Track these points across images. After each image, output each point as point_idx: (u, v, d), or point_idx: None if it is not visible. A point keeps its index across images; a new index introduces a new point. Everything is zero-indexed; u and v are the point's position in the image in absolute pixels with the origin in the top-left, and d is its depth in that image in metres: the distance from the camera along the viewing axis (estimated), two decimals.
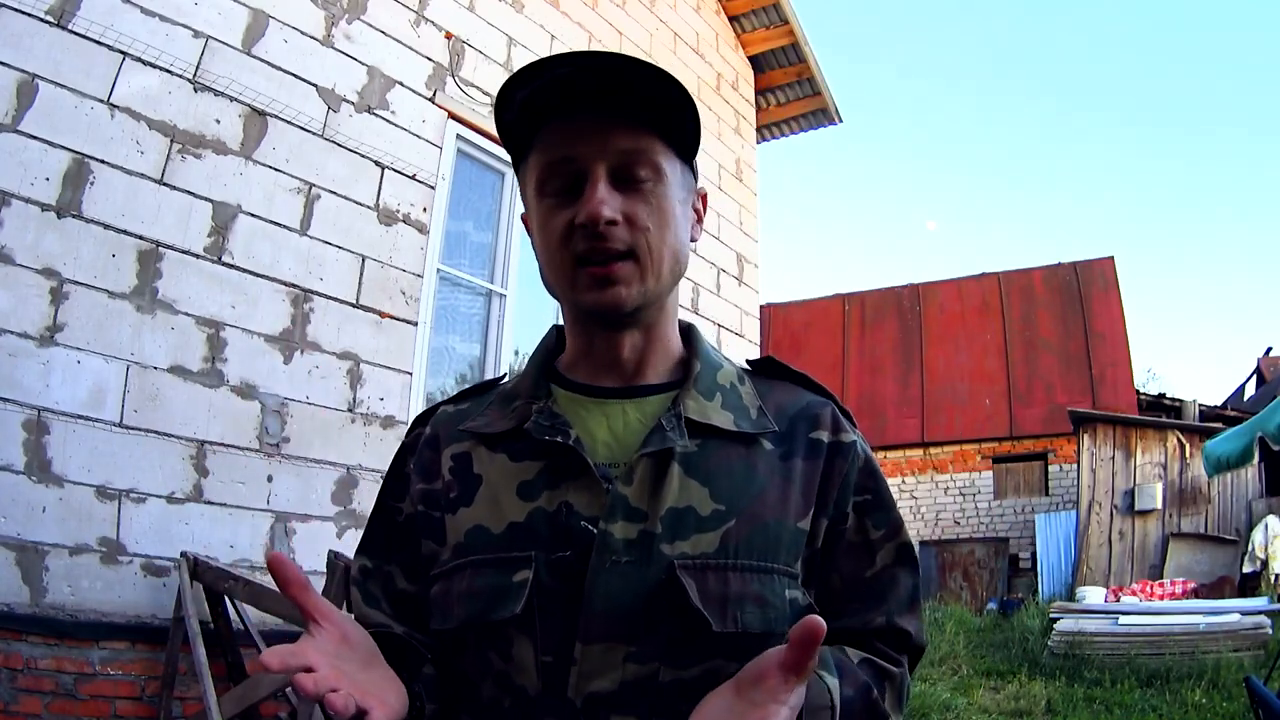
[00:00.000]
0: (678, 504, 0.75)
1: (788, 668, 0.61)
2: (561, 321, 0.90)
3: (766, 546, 0.75)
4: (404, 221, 4.06)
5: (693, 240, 0.85)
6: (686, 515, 0.74)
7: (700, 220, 0.88)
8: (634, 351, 0.82)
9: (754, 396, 0.85)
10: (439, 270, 4.22)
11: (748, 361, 0.92)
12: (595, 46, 5.36)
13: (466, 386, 0.94)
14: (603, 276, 0.76)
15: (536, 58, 0.79)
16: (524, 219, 0.87)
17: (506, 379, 0.91)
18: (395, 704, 0.65)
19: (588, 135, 0.76)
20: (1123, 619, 7.63)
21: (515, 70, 0.75)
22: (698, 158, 0.87)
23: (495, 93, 0.77)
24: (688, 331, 0.89)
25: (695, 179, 0.86)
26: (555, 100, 0.76)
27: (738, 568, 0.74)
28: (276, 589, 2.73)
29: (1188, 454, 11.14)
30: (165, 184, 3.21)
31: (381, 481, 0.90)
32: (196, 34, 3.36)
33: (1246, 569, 9.84)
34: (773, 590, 0.74)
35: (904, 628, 0.81)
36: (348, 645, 0.65)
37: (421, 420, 0.90)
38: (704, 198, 0.89)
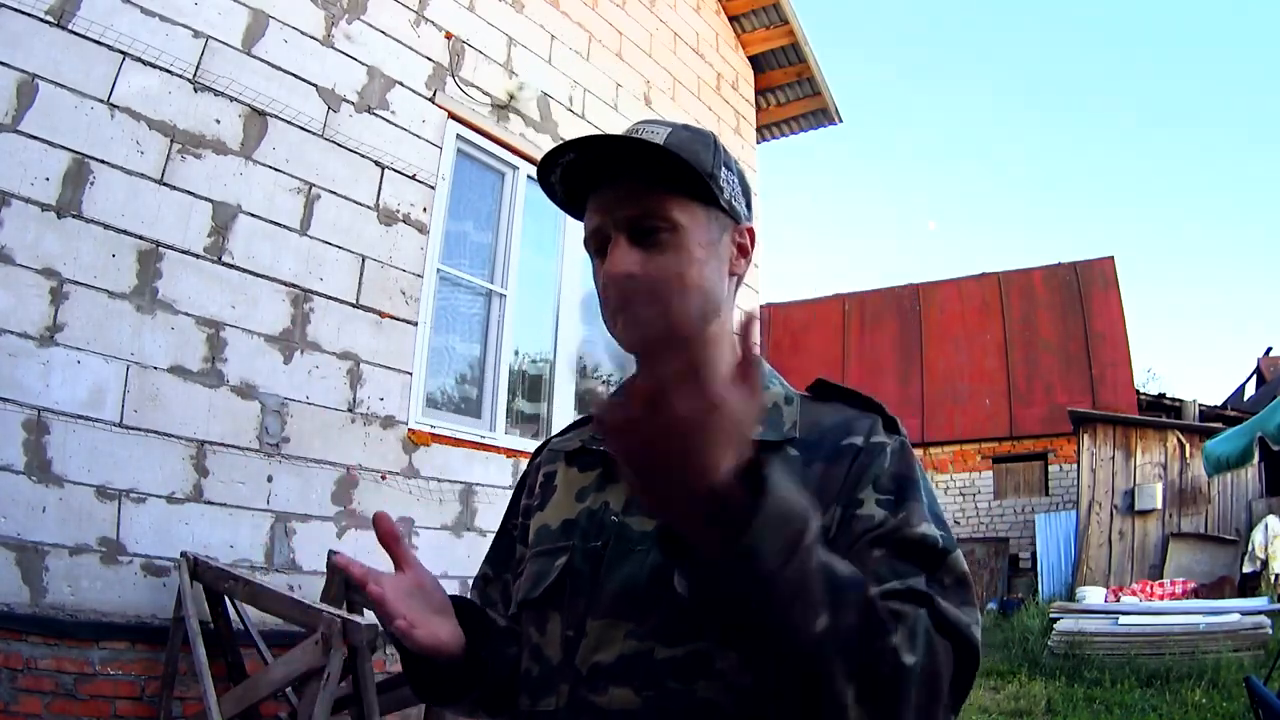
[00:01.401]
0: None
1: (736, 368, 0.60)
2: None
3: None
4: (404, 221, 4.06)
5: (733, 274, 0.93)
6: None
7: (745, 254, 0.94)
8: None
9: (794, 414, 0.89)
10: (439, 270, 4.22)
11: (807, 387, 0.96)
12: (595, 47, 5.37)
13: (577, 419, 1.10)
14: (629, 320, 0.87)
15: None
16: None
17: None
18: (444, 638, 0.81)
19: (607, 205, 0.88)
20: (1123, 619, 7.64)
21: (540, 159, 0.88)
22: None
23: (541, 156, 0.90)
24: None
25: (738, 217, 0.93)
26: (573, 181, 0.90)
27: None
28: (276, 589, 2.71)
29: (1188, 454, 11.14)
30: (165, 184, 3.21)
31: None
32: (196, 34, 3.36)
33: (1246, 569, 9.84)
34: None
35: (917, 589, 0.72)
36: (421, 590, 0.83)
37: (538, 451, 1.07)
38: (750, 232, 0.95)
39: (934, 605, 0.71)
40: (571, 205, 0.94)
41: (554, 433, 1.09)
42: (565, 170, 0.89)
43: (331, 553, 3.27)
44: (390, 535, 0.82)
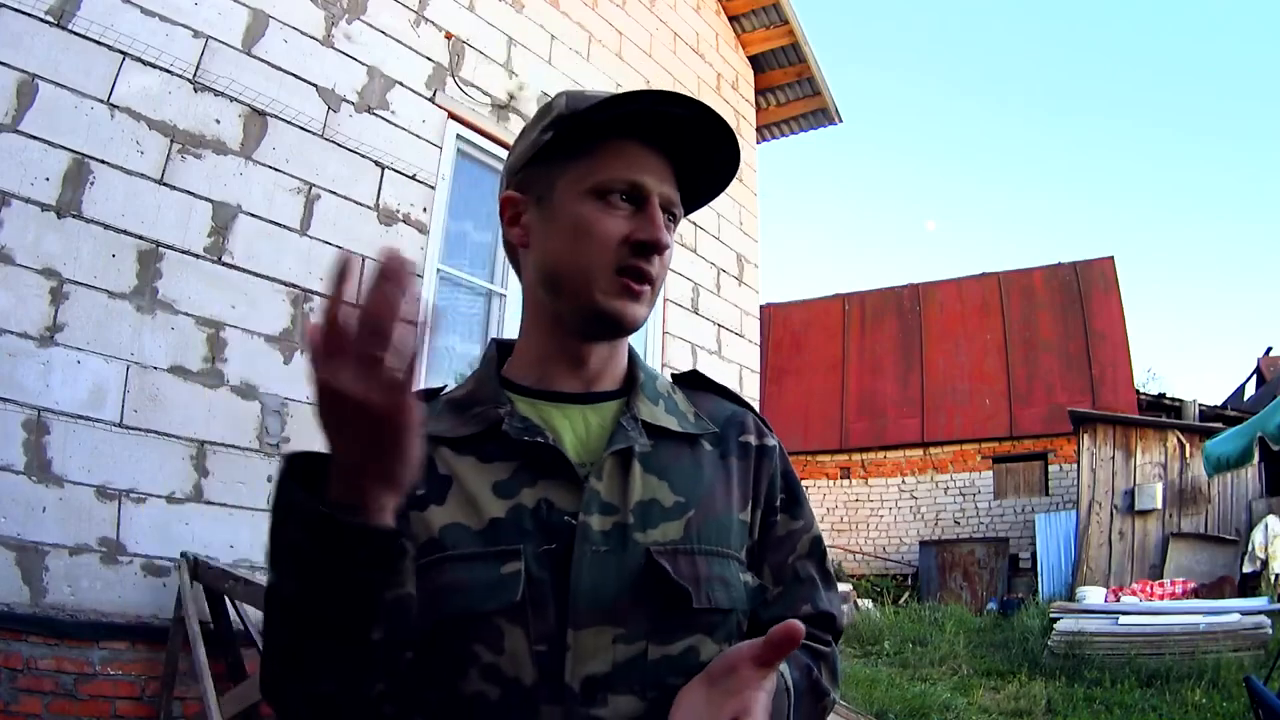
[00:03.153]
0: (644, 497, 0.82)
1: (761, 661, 0.71)
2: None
3: (720, 535, 0.84)
4: (404, 221, 4.06)
5: None
6: (652, 507, 0.82)
7: None
8: (600, 362, 0.89)
9: (687, 404, 0.93)
10: (439, 270, 4.22)
11: (673, 375, 1.00)
12: (595, 47, 5.37)
13: None
14: (637, 292, 0.84)
15: (600, 91, 0.88)
16: (512, 201, 0.90)
17: (448, 389, 0.94)
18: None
19: (656, 170, 0.85)
20: (1123, 619, 7.64)
21: (644, 90, 0.84)
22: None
23: (599, 90, 0.88)
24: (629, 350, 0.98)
25: None
26: (655, 128, 0.85)
27: (701, 552, 0.82)
28: None
29: (1188, 454, 11.14)
30: (165, 184, 3.21)
31: None
32: (196, 34, 3.36)
33: (1246, 569, 9.84)
34: (730, 572, 0.83)
35: (830, 611, 0.91)
36: None
37: None
38: None
39: (835, 624, 0.91)
40: (582, 130, 0.85)
41: None
42: (647, 114, 0.84)
43: None
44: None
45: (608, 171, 0.84)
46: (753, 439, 0.92)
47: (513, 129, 4.67)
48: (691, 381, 0.98)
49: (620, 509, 0.80)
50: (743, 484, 0.89)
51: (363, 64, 3.98)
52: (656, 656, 0.77)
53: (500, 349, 0.95)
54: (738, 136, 0.87)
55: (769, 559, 0.89)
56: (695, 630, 0.79)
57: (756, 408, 0.98)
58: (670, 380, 0.97)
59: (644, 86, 5.70)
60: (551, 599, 0.76)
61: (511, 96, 4.68)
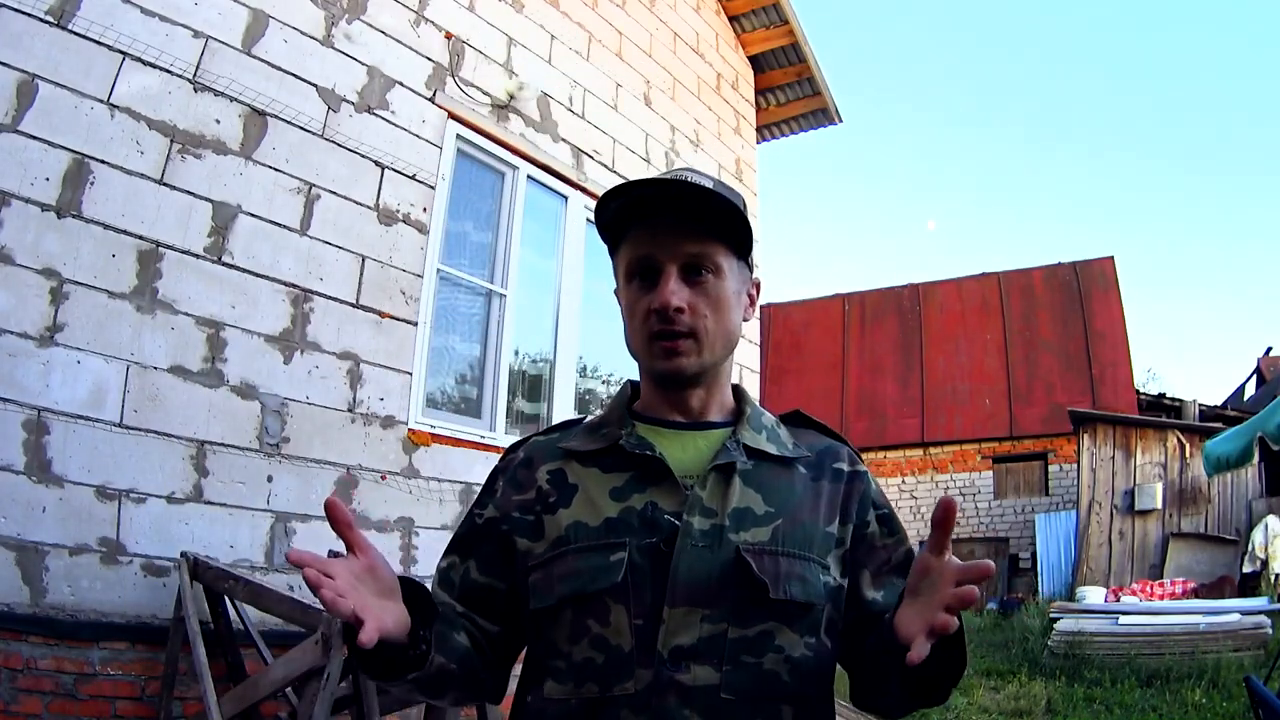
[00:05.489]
0: (739, 505, 0.98)
1: (939, 548, 0.83)
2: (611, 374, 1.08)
3: (804, 541, 0.99)
4: (404, 221, 4.06)
5: (745, 320, 1.08)
6: (746, 513, 0.98)
7: (754, 304, 1.11)
8: (699, 402, 1.06)
9: (789, 436, 1.09)
10: (439, 270, 4.22)
11: (781, 415, 1.16)
12: (595, 47, 5.37)
13: (561, 422, 1.16)
14: (670, 349, 0.99)
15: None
16: (616, 294, 1.09)
17: (588, 419, 1.13)
18: (390, 626, 0.84)
19: (664, 239, 0.99)
20: (1123, 619, 7.63)
21: (613, 186, 0.99)
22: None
23: (603, 191, 1.02)
24: (738, 389, 1.13)
25: (751, 271, 1.09)
26: (640, 211, 1.00)
27: (784, 554, 0.97)
28: (276, 589, 2.72)
29: (1188, 454, 11.14)
30: (165, 184, 3.21)
31: (479, 493, 1.11)
32: (196, 34, 3.36)
33: (1246, 569, 9.84)
34: (809, 572, 0.97)
35: None
36: (372, 575, 0.86)
37: (514, 449, 1.12)
38: (757, 285, 1.12)
39: None
40: (611, 231, 1.04)
41: (532, 433, 1.15)
42: (629, 203, 0.99)
43: (331, 552, 3.26)
44: (343, 522, 0.85)
45: (626, 257, 1.02)
46: (845, 466, 1.08)
47: (512, 129, 4.67)
48: (795, 419, 1.15)
49: (718, 513, 0.97)
50: (831, 503, 1.04)
51: (363, 64, 3.98)
52: (735, 636, 0.92)
53: (634, 389, 1.13)
54: (730, 183, 1.02)
55: (871, 563, 1.04)
56: (771, 618, 0.94)
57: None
58: (776, 417, 1.13)
59: (644, 87, 5.70)
60: (649, 583, 0.93)
61: (511, 96, 4.67)
